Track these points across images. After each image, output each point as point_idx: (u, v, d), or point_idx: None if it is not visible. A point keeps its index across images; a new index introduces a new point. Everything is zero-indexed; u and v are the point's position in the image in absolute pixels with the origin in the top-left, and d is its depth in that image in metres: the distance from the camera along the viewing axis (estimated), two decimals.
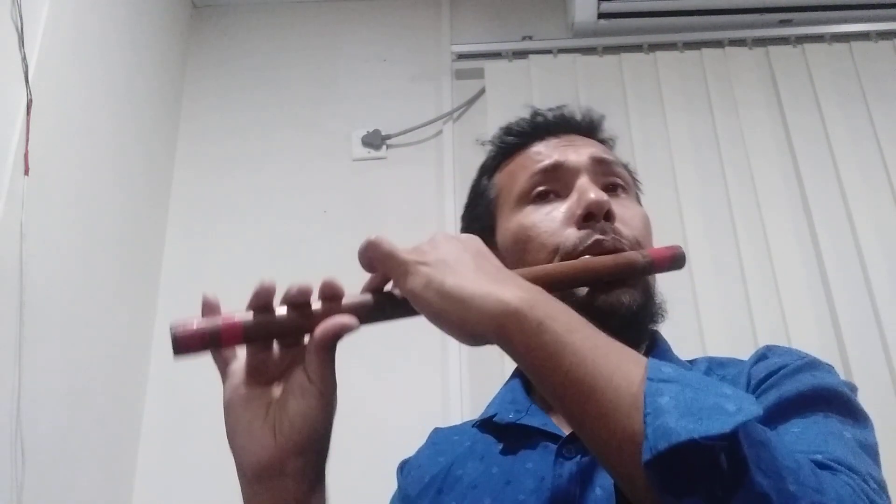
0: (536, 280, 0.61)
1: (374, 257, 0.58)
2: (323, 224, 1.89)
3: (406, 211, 1.88)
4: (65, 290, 1.42)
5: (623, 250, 0.68)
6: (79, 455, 1.43)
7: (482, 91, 1.97)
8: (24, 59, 1.31)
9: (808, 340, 1.59)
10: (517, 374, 0.79)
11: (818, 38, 1.98)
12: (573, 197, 0.72)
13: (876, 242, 1.72)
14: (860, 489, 0.48)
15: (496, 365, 1.37)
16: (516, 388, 0.76)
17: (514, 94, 1.89)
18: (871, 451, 0.56)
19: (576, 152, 0.75)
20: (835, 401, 0.59)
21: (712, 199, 1.79)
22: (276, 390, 0.58)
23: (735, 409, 0.44)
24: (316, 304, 0.57)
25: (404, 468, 0.80)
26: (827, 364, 0.66)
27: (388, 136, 1.97)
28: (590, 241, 0.68)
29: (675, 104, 1.90)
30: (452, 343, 1.67)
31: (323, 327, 0.55)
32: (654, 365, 0.47)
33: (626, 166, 0.82)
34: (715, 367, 0.70)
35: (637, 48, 2.01)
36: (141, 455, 1.66)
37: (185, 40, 2.11)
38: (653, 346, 0.73)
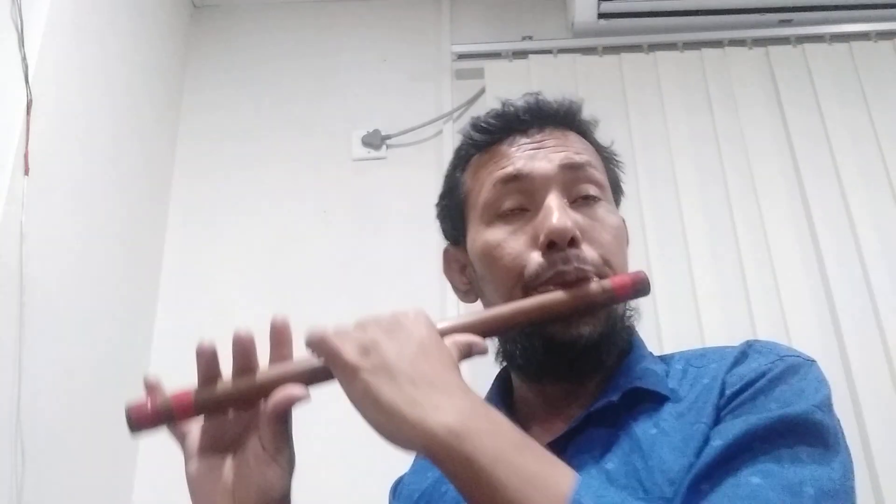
0: (493, 324, 0.65)
1: (319, 353, 0.58)
2: (323, 224, 1.89)
3: (406, 211, 1.88)
4: (65, 290, 1.42)
5: (587, 279, 0.67)
6: (79, 455, 1.43)
7: (482, 91, 1.97)
8: (24, 59, 1.31)
9: (808, 340, 1.59)
10: (495, 384, 0.79)
11: (818, 38, 1.98)
12: (539, 217, 0.69)
13: (876, 242, 1.72)
14: None
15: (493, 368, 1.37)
16: (494, 400, 0.75)
17: (514, 95, 1.87)
18: (833, 494, 0.54)
19: (545, 157, 0.72)
20: (804, 431, 0.57)
21: (712, 199, 1.79)
22: (233, 458, 0.60)
23: None
24: (264, 370, 0.59)
25: (396, 488, 0.80)
26: (806, 362, 0.65)
27: (388, 136, 1.97)
28: (551, 273, 0.67)
29: (675, 104, 1.90)
30: None
31: (273, 401, 0.57)
32: (577, 498, 0.48)
33: (606, 153, 0.79)
34: (694, 360, 0.70)
35: (637, 48, 2.00)
36: (141, 455, 1.66)
37: (185, 40, 2.11)
38: (629, 349, 0.72)
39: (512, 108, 0.77)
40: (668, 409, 0.65)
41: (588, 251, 0.68)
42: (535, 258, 0.68)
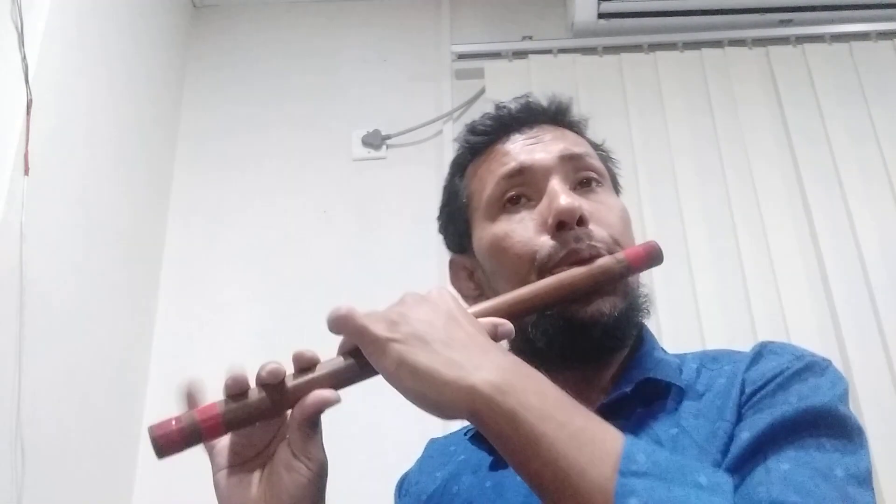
0: (514, 307, 0.63)
1: (345, 332, 0.56)
2: (323, 224, 1.89)
3: (406, 211, 1.88)
4: (65, 290, 1.42)
5: (600, 256, 0.67)
6: (79, 455, 1.43)
7: (482, 91, 1.97)
8: (24, 59, 1.31)
9: (808, 340, 1.59)
10: None
11: (818, 38, 1.98)
12: (544, 202, 0.70)
13: (876, 242, 1.72)
14: None
15: None
16: None
17: (514, 94, 1.88)
18: (862, 480, 0.55)
19: (544, 150, 0.73)
20: (827, 423, 0.57)
21: (712, 199, 1.79)
22: (263, 467, 0.58)
23: None
24: (291, 381, 0.57)
25: (402, 485, 0.80)
26: (822, 361, 0.65)
27: (388, 136, 1.97)
28: (564, 252, 0.67)
29: (674, 104, 1.90)
30: None
31: (301, 406, 0.55)
32: (629, 454, 0.47)
33: (600, 150, 0.80)
34: (708, 362, 0.69)
35: (637, 48, 2.00)
36: (141, 455, 1.66)
37: (185, 40, 2.11)
38: (639, 344, 0.72)
39: (505, 109, 0.78)
40: (687, 408, 0.64)
41: (597, 230, 0.69)
42: (546, 241, 0.68)
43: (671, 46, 2.00)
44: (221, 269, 1.83)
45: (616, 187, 0.80)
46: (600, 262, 0.66)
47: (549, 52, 1.99)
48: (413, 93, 2.04)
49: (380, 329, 0.54)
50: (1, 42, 1.29)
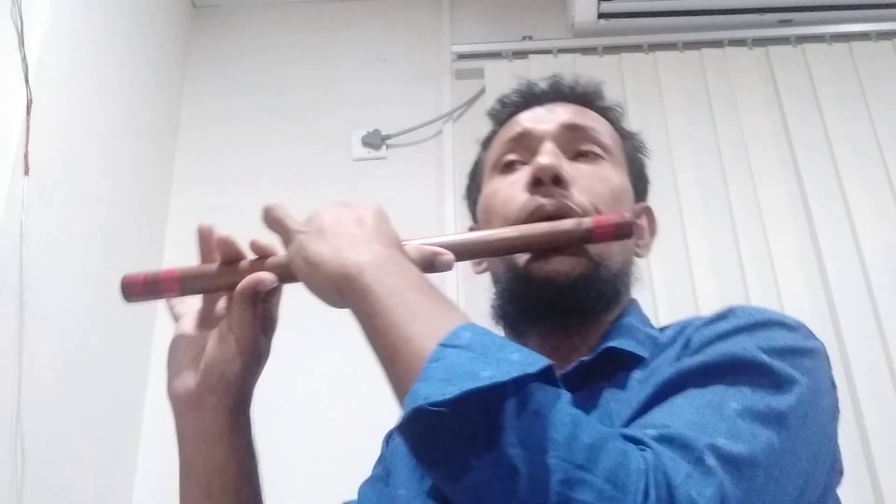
0: (472, 246, 0.65)
1: (267, 222, 0.61)
2: None
3: (406, 211, 1.86)
4: (65, 290, 1.42)
5: (569, 216, 0.66)
6: (79, 455, 1.43)
7: (482, 91, 1.97)
8: (24, 59, 1.31)
9: None
10: None
11: (818, 38, 1.98)
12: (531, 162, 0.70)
13: (876, 242, 1.72)
14: (656, 466, 0.43)
15: None
16: None
17: None
18: (765, 417, 0.49)
19: (550, 119, 0.73)
20: (744, 369, 0.53)
21: (712, 199, 1.79)
22: (208, 336, 0.63)
23: (490, 374, 0.42)
24: (245, 261, 0.63)
25: (391, 438, 0.79)
26: (793, 322, 0.60)
27: (388, 136, 1.97)
28: (532, 206, 0.67)
29: (675, 104, 1.90)
30: None
31: (242, 283, 0.61)
32: (457, 331, 0.46)
33: (631, 139, 0.80)
34: (690, 327, 0.65)
35: (637, 48, 2.00)
36: (141, 455, 1.66)
37: (185, 40, 2.11)
38: (623, 315, 0.70)
39: (533, 85, 0.79)
40: (636, 376, 0.62)
41: (577, 195, 0.68)
42: (522, 197, 0.69)
43: (671, 46, 2.00)
44: None
45: (637, 176, 0.79)
46: (563, 221, 0.65)
47: (549, 52, 1.99)
48: (413, 93, 2.04)
49: (293, 223, 0.60)
50: (1, 42, 1.29)
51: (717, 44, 1.99)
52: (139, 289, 0.63)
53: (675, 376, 0.54)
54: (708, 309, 1.82)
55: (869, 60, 1.94)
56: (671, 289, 1.68)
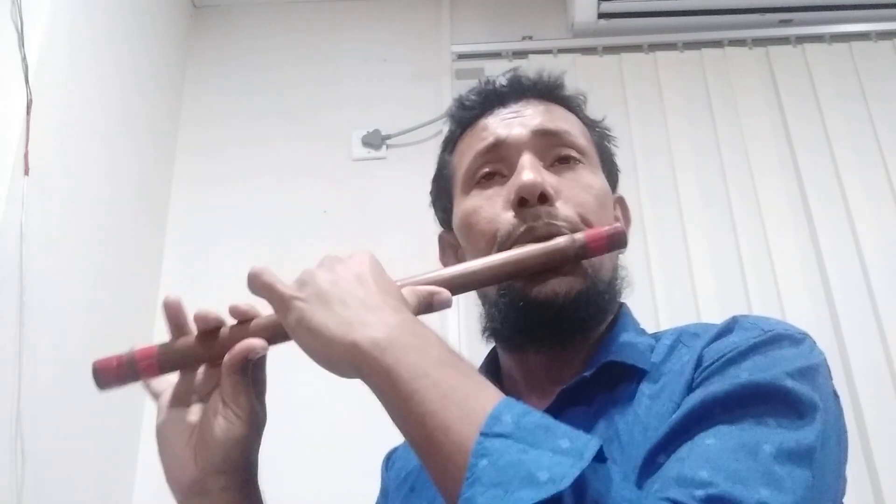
0: (465, 278, 0.63)
1: (255, 289, 0.58)
2: (323, 224, 1.89)
3: (406, 211, 1.88)
4: (65, 290, 1.42)
5: (560, 235, 0.64)
6: (79, 455, 1.43)
7: None
8: (24, 59, 1.31)
9: None
10: (484, 362, 0.76)
11: (818, 38, 1.99)
12: (512, 178, 0.68)
13: (876, 242, 1.72)
14: None
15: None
16: None
17: None
18: (798, 456, 0.50)
19: (521, 125, 0.71)
20: (773, 399, 0.53)
21: (712, 198, 1.79)
22: (199, 414, 0.60)
23: (548, 475, 0.41)
24: (226, 329, 0.59)
25: (390, 459, 0.80)
26: (797, 334, 0.61)
27: (388, 136, 1.97)
28: (521, 230, 0.66)
29: (674, 104, 1.90)
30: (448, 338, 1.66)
31: (231, 353, 0.57)
32: (496, 414, 0.45)
33: (596, 127, 0.78)
34: (687, 338, 0.66)
35: (637, 48, 2.01)
36: (141, 455, 1.66)
37: (185, 40, 2.11)
38: (615, 321, 0.70)
39: (491, 84, 0.77)
40: (645, 390, 0.62)
41: (563, 208, 0.67)
42: (508, 218, 0.67)
43: (671, 46, 2.00)
44: (221, 268, 1.82)
45: (611, 170, 0.78)
46: (555, 241, 0.64)
47: (549, 52, 2.00)
48: (413, 93, 2.04)
49: (286, 288, 0.56)
50: (1, 42, 1.29)
51: (717, 44, 1.99)
52: (113, 374, 0.58)
53: (699, 406, 0.53)
54: (708, 309, 1.82)
55: (869, 60, 1.94)
56: (671, 289, 1.68)
